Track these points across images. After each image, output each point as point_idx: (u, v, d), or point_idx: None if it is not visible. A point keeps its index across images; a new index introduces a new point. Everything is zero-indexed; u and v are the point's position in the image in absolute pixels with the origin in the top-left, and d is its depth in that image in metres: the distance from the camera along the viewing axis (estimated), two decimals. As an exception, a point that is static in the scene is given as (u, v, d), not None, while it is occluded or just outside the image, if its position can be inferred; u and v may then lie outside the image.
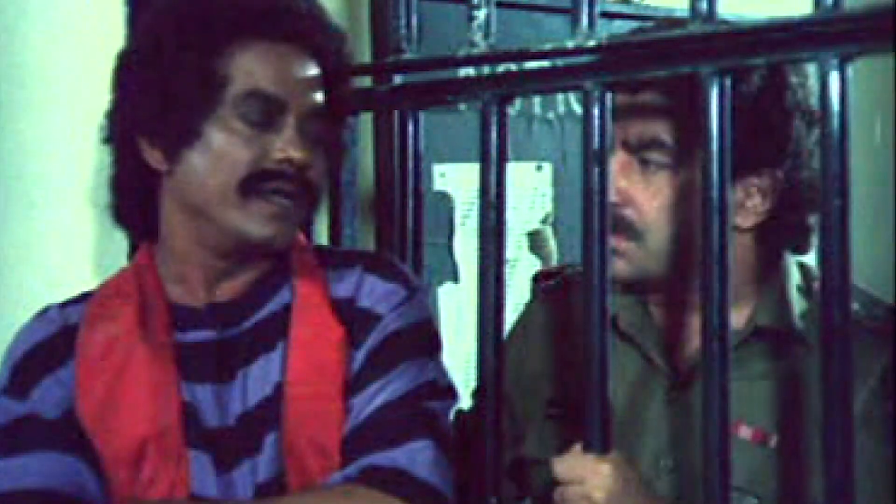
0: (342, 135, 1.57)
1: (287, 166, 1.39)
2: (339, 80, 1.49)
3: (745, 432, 1.45)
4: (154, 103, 1.40)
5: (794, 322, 1.48)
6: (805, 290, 1.51)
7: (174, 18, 1.41)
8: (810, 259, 1.52)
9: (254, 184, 1.39)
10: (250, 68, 1.40)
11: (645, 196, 1.45)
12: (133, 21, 1.82)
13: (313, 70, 1.45)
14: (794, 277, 1.52)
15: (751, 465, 1.41)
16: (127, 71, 1.45)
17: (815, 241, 1.51)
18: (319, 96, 1.45)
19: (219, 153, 1.39)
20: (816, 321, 1.46)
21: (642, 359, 1.52)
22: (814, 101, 1.44)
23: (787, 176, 1.46)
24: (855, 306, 1.42)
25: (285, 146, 1.40)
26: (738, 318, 1.44)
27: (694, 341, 1.50)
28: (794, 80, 1.45)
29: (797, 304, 1.49)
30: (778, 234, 1.50)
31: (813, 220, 1.50)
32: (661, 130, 1.45)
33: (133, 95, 1.42)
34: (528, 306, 1.69)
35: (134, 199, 1.47)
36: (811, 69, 1.35)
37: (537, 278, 1.72)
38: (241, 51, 1.40)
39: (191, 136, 1.39)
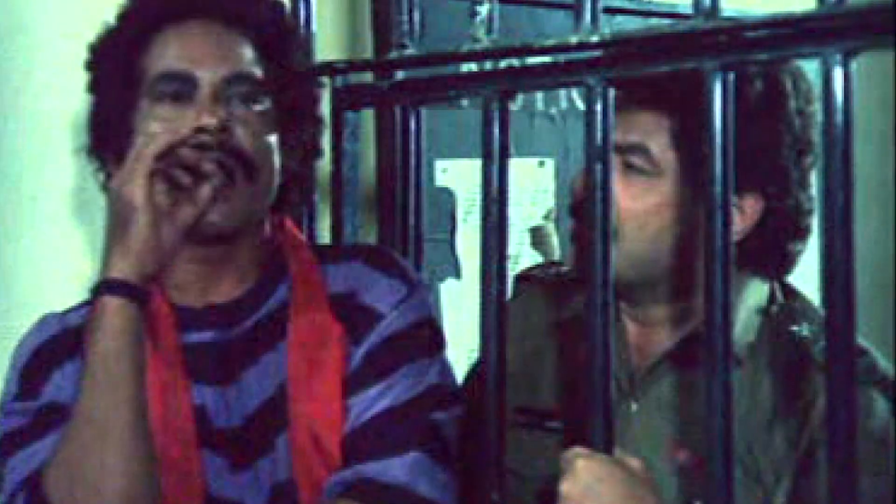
0: (307, 131, 1.51)
1: (205, 136, 1.36)
2: (280, 51, 1.47)
3: (684, 456, 1.44)
4: (95, 117, 1.44)
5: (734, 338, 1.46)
6: (765, 312, 1.50)
7: (105, 30, 1.47)
8: (806, 264, 1.51)
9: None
10: (160, 52, 1.42)
11: (623, 197, 1.45)
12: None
13: (228, 39, 1.43)
14: (757, 298, 1.50)
15: (689, 491, 1.39)
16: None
17: (799, 259, 1.51)
18: (241, 62, 1.43)
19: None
20: (764, 341, 1.47)
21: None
22: (814, 132, 1.44)
23: (769, 201, 1.45)
24: (804, 331, 1.41)
25: (197, 115, 1.37)
26: (683, 332, 1.47)
27: (647, 353, 1.51)
28: (792, 105, 1.44)
29: (747, 322, 1.48)
30: (756, 258, 1.48)
31: (795, 247, 1.49)
32: (645, 137, 1.45)
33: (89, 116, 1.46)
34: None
35: None
36: (814, 76, 1.34)
37: (519, 279, 1.72)
38: (157, 41, 1.42)
39: (129, 136, 1.39)
